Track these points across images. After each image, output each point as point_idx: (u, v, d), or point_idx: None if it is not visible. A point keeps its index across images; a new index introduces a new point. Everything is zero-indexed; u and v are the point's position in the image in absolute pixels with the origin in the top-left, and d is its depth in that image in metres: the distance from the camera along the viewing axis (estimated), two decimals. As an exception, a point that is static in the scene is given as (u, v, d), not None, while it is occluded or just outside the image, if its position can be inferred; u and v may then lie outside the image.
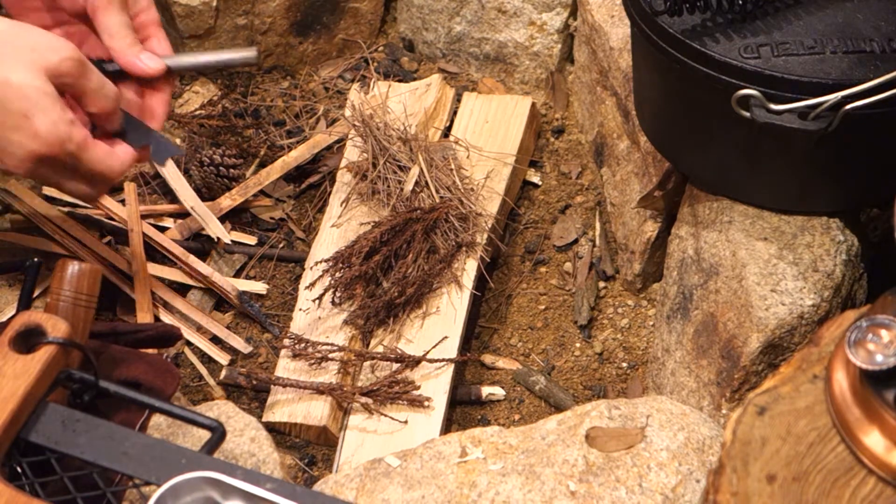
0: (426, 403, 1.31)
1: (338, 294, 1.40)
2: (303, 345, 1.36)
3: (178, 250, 1.46)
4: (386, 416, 1.31)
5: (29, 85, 1.00)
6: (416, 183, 1.46)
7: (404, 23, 1.81)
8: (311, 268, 1.42)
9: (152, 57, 1.12)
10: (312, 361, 1.35)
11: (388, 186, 1.47)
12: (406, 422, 1.30)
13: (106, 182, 1.08)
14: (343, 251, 1.40)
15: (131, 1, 1.12)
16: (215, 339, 1.43)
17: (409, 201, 1.45)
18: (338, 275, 1.39)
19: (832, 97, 1.04)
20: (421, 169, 1.46)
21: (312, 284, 1.41)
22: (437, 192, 1.45)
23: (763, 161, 1.16)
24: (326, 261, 1.40)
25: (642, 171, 1.42)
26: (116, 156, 1.08)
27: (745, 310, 1.15)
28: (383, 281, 1.40)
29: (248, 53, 1.17)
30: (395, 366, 1.35)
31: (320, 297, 1.40)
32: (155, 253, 1.46)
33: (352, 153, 1.56)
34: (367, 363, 1.37)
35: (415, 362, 1.34)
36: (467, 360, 1.41)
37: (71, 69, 1.02)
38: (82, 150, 1.03)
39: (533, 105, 1.63)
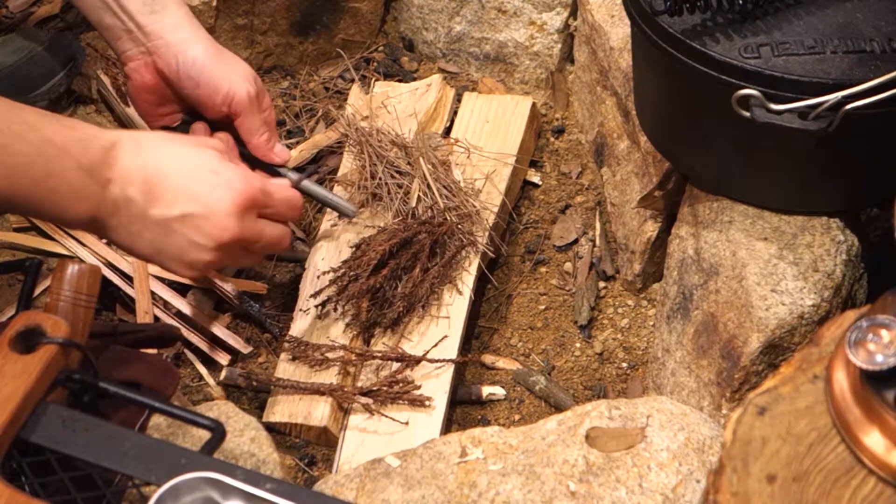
0: (427, 403, 1.31)
1: (343, 306, 1.39)
2: (302, 347, 1.36)
3: (178, 250, 1.45)
4: (387, 416, 1.30)
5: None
6: (420, 191, 1.46)
7: (404, 23, 1.81)
8: (319, 277, 1.42)
9: (283, 149, 1.35)
10: (313, 364, 1.35)
11: (389, 192, 1.47)
12: (407, 423, 1.30)
13: (293, 211, 1.25)
14: (351, 262, 1.39)
15: (259, 96, 1.31)
16: (215, 339, 1.43)
17: (414, 208, 1.45)
18: (345, 288, 1.38)
19: (832, 97, 1.04)
20: (423, 173, 1.46)
21: (318, 293, 1.40)
22: (441, 195, 1.44)
23: (763, 161, 1.16)
24: (335, 270, 1.40)
25: (642, 171, 1.42)
26: (291, 188, 1.29)
27: (746, 310, 1.15)
28: (387, 290, 1.39)
29: (349, 207, 1.41)
30: (396, 365, 1.34)
31: (323, 304, 1.39)
32: (155, 253, 1.46)
33: (349, 156, 1.55)
34: (367, 363, 1.36)
35: (415, 362, 1.34)
36: (467, 361, 1.41)
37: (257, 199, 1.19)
38: (266, 184, 1.20)
39: (533, 105, 1.62)
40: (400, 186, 1.47)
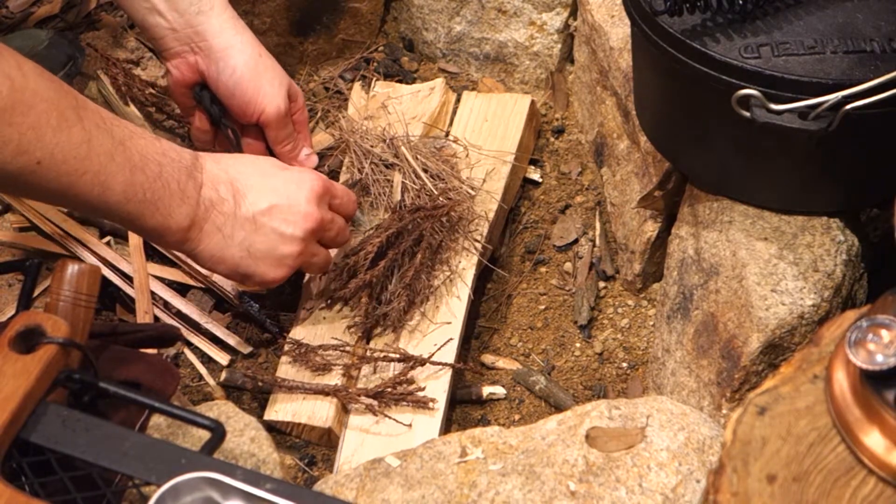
0: (431, 405, 1.31)
1: (344, 304, 1.39)
2: (303, 349, 1.36)
3: (178, 250, 1.46)
4: (391, 418, 1.30)
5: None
6: (408, 180, 1.46)
7: (404, 23, 1.81)
8: (321, 276, 1.42)
9: (309, 155, 1.42)
10: (315, 368, 1.35)
11: (379, 188, 1.47)
12: (410, 425, 1.30)
13: (352, 203, 1.35)
14: (349, 259, 1.39)
15: (291, 103, 1.37)
16: (215, 339, 1.43)
17: (402, 200, 1.45)
18: (346, 284, 1.38)
19: (832, 97, 1.04)
20: (407, 160, 1.46)
21: (321, 292, 1.40)
22: (433, 177, 1.45)
23: (763, 161, 1.16)
24: (333, 270, 1.40)
25: (642, 171, 1.42)
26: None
27: (746, 310, 1.15)
28: (386, 283, 1.39)
29: (360, 217, 1.45)
30: (398, 366, 1.34)
31: (327, 303, 1.39)
32: (155, 253, 1.46)
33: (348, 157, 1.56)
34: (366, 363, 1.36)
35: (420, 363, 1.33)
36: (466, 365, 1.41)
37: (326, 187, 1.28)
38: (330, 182, 1.30)
39: (532, 103, 1.62)
40: (389, 180, 1.47)
